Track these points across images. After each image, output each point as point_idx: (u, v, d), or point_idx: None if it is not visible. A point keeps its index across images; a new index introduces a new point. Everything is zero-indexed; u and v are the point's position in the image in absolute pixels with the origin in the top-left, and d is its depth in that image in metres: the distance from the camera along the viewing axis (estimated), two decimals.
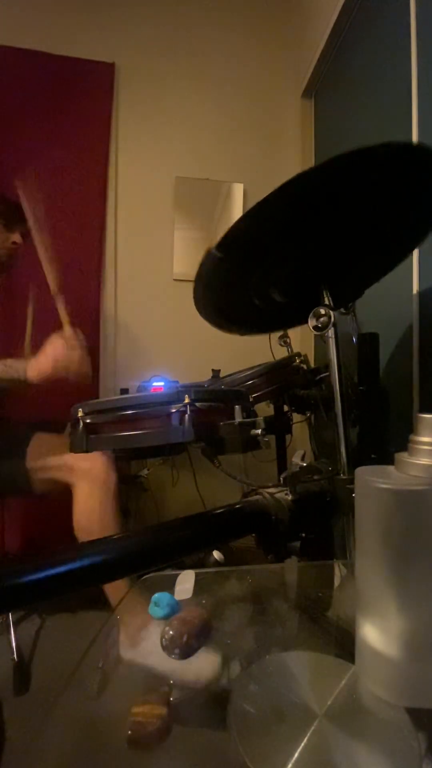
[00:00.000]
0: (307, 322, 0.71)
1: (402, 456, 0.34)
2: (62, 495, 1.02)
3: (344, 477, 0.62)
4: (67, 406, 0.88)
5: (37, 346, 1.07)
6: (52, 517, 1.51)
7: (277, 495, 0.54)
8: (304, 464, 0.63)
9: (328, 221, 0.67)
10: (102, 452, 0.98)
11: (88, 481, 0.96)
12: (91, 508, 0.95)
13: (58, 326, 1.36)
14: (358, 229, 0.71)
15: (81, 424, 0.93)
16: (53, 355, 1.01)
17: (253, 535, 0.58)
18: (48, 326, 1.73)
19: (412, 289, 1.09)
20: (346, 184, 0.61)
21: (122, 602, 0.63)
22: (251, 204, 0.59)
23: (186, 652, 0.45)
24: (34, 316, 1.17)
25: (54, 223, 1.28)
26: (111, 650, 0.52)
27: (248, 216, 0.61)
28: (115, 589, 0.89)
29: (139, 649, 0.49)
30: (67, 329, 1.06)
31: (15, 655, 1.13)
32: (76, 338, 1.05)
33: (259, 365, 1.25)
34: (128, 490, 1.51)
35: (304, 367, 1.22)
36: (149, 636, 0.49)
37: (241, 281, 0.75)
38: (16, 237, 1.16)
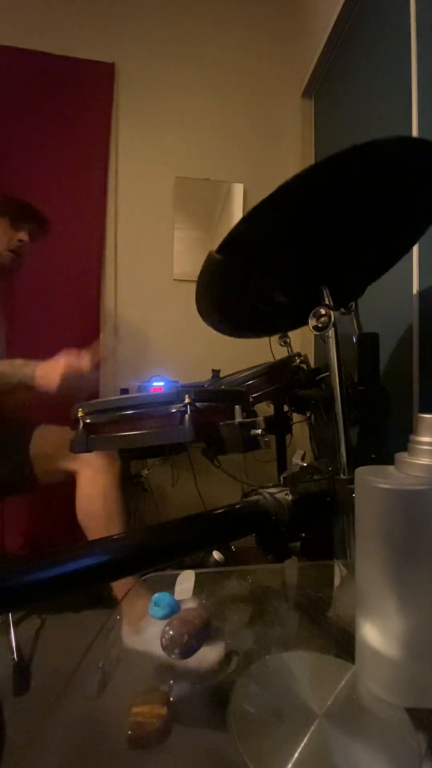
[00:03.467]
0: (307, 324, 0.71)
1: (402, 456, 0.34)
2: (64, 491, 1.01)
3: (344, 477, 0.62)
4: (67, 410, 0.88)
5: (31, 349, 1.06)
6: (52, 516, 1.51)
7: (277, 495, 0.54)
8: (304, 464, 0.63)
9: (327, 220, 0.67)
10: None
11: (92, 468, 0.96)
12: (94, 494, 0.95)
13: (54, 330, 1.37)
14: (357, 226, 0.71)
15: (81, 424, 0.93)
16: (64, 365, 0.97)
17: (253, 535, 0.58)
18: (47, 326, 1.73)
19: (412, 289, 1.09)
20: (343, 181, 0.61)
21: (126, 596, 0.63)
22: (251, 204, 0.59)
23: (186, 652, 0.45)
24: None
25: (54, 223, 1.29)
26: (111, 650, 0.52)
27: (248, 218, 0.61)
28: (121, 584, 0.89)
29: (141, 638, 0.49)
30: (88, 349, 1.02)
31: (15, 655, 1.13)
32: (94, 356, 1.02)
33: (259, 365, 1.25)
34: (128, 490, 1.51)
35: (304, 367, 1.22)
36: (151, 625, 0.49)
37: (241, 282, 0.75)
38: (23, 235, 1.16)
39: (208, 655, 0.44)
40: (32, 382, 0.98)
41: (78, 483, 0.97)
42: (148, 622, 0.50)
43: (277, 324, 1.02)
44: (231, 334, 0.94)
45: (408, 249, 0.89)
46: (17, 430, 1.06)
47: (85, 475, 0.96)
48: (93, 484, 0.95)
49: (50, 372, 0.97)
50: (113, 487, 0.96)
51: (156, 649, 0.45)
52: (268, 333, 1.16)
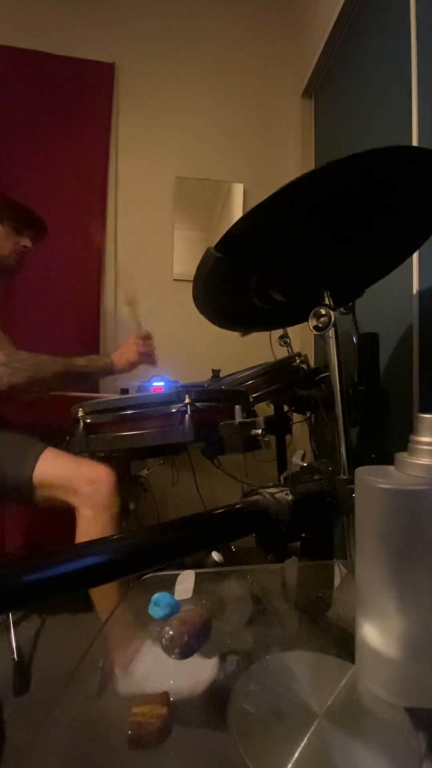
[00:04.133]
0: (306, 321, 0.71)
1: (402, 456, 0.34)
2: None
3: (344, 477, 0.62)
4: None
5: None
6: (53, 517, 1.50)
7: (277, 495, 0.54)
8: (304, 464, 0.63)
9: (329, 222, 0.67)
10: (107, 473, 0.97)
11: (91, 508, 0.94)
12: (94, 534, 0.94)
13: (54, 329, 1.45)
14: (358, 231, 0.71)
15: (81, 424, 0.93)
16: (136, 344, 1.22)
17: (253, 535, 0.58)
18: (48, 326, 1.73)
19: (412, 289, 1.09)
20: (345, 187, 0.61)
21: (111, 620, 0.61)
22: (251, 204, 0.59)
23: (186, 652, 0.45)
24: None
25: (54, 223, 1.29)
26: (111, 650, 0.52)
27: (248, 217, 0.61)
28: (102, 598, 0.87)
29: (133, 679, 0.48)
30: (142, 330, 1.28)
31: (15, 655, 1.13)
32: (150, 337, 1.27)
33: (259, 365, 1.26)
34: (128, 490, 1.50)
35: (304, 367, 1.22)
36: (142, 664, 0.48)
37: (240, 281, 0.75)
38: (26, 241, 1.17)
39: (204, 674, 0.43)
40: (111, 367, 1.19)
41: (78, 522, 0.96)
42: (138, 662, 0.48)
43: (276, 320, 1.02)
44: (228, 328, 0.94)
45: (409, 254, 0.89)
46: (26, 444, 1.04)
47: (85, 515, 0.95)
48: (93, 526, 0.94)
49: (127, 352, 1.21)
50: (112, 528, 0.96)
51: (150, 684, 0.44)
52: (267, 328, 1.17)
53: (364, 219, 0.69)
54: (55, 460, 0.99)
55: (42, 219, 1.22)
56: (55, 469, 0.98)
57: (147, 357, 1.25)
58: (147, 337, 1.26)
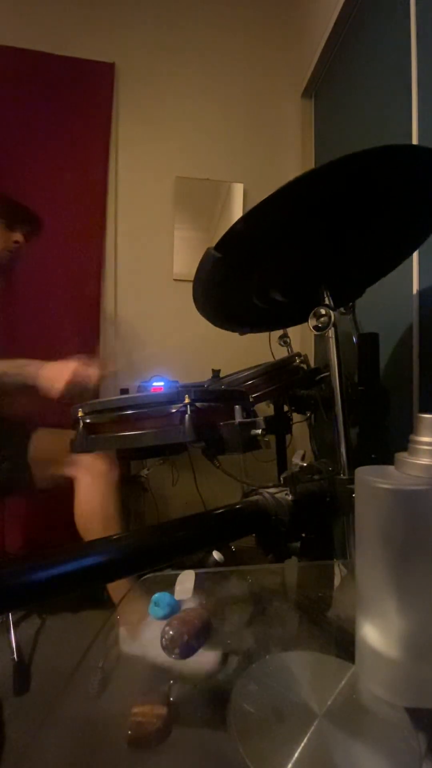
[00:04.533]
0: (307, 321, 0.71)
1: (402, 456, 0.34)
2: (63, 493, 1.01)
3: (344, 477, 0.62)
4: (67, 413, 0.88)
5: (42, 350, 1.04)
6: (52, 516, 1.51)
7: (277, 495, 0.54)
8: (304, 464, 0.63)
9: (328, 222, 0.67)
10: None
11: (90, 474, 0.95)
12: (93, 499, 0.95)
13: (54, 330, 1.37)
14: (358, 230, 0.71)
15: (81, 424, 0.93)
16: (72, 372, 0.93)
17: (253, 535, 0.58)
18: (47, 326, 1.73)
19: (412, 289, 1.09)
20: (345, 186, 0.61)
21: (124, 598, 0.63)
22: (251, 204, 0.59)
23: (186, 652, 0.45)
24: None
25: (54, 223, 1.29)
26: (111, 650, 0.52)
27: (247, 217, 0.61)
28: (118, 586, 0.89)
29: (139, 643, 0.49)
30: (97, 360, 1.00)
31: (15, 655, 1.13)
32: (102, 368, 0.99)
33: (259, 365, 1.25)
34: (128, 490, 1.50)
35: (304, 367, 1.22)
36: (149, 629, 0.49)
37: (240, 281, 0.75)
38: (18, 236, 1.16)
39: (205, 660, 0.44)
40: (34, 381, 0.93)
41: (77, 489, 0.97)
42: (146, 626, 0.50)
43: (276, 321, 1.02)
44: (228, 329, 0.94)
45: (409, 253, 0.89)
46: (16, 431, 1.05)
47: (83, 481, 0.96)
48: (92, 490, 0.95)
49: (57, 375, 0.93)
50: (112, 493, 0.96)
51: (153, 652, 0.45)
52: (267, 329, 1.16)
53: (364, 219, 0.69)
54: (48, 437, 1.00)
55: (35, 215, 1.20)
56: (50, 443, 0.99)
57: (76, 390, 0.94)
58: (102, 376, 0.98)
